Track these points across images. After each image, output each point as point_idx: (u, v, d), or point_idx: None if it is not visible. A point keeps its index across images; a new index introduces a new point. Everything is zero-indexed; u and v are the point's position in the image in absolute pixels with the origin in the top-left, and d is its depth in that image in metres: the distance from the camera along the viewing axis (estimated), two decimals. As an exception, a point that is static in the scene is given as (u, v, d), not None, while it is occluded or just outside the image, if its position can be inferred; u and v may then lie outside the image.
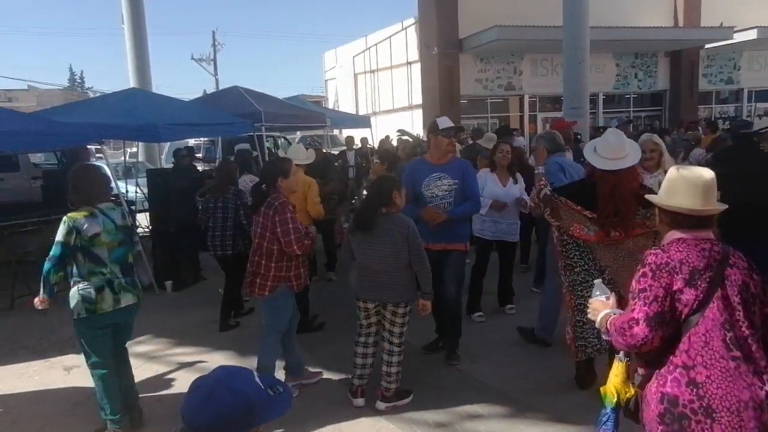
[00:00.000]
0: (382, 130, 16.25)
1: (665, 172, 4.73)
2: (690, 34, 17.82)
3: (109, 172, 4.41)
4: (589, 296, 2.49)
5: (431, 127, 4.66)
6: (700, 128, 12.72)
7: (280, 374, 4.34)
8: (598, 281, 2.51)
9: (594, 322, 2.35)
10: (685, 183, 2.11)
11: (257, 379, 1.35)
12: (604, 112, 18.63)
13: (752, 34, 17.36)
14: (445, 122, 4.60)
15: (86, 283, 3.49)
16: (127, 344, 5.22)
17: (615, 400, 2.29)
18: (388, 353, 3.93)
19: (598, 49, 15.55)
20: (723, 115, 20.23)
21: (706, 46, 18.36)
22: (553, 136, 5.37)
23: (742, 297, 1.99)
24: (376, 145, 12.77)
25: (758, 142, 5.81)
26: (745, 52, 19.40)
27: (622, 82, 18.76)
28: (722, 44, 17.85)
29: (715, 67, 19.71)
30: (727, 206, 2.14)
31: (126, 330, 3.85)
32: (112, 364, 3.70)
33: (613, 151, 3.57)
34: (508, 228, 5.61)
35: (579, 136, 9.19)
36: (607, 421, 2.31)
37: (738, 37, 17.42)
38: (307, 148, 6.55)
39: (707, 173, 2.11)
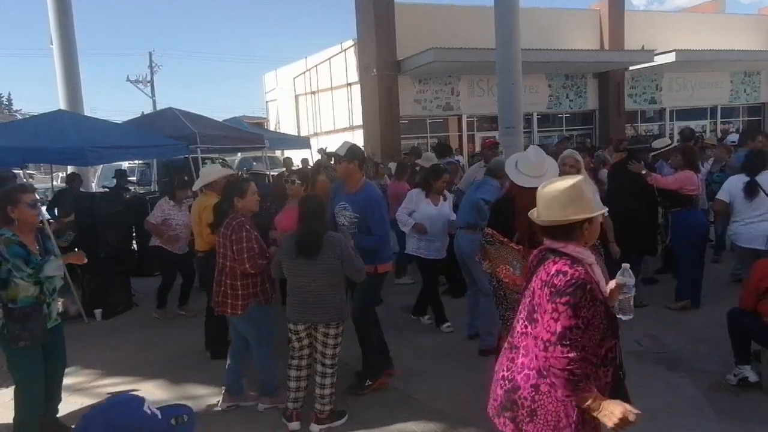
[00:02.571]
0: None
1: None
2: (615, 56, 18.76)
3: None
4: None
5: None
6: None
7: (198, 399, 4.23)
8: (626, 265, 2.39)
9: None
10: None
11: (148, 407, 1.32)
12: (539, 131, 19.32)
13: (671, 57, 18.42)
14: (341, 148, 4.42)
15: None
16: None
17: None
18: (321, 375, 3.90)
19: (531, 71, 16.15)
20: (648, 133, 21.33)
21: (630, 68, 19.35)
22: (494, 164, 5.44)
23: (529, 300, 2.21)
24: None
25: (637, 160, 6.16)
26: (666, 74, 20.56)
27: (554, 102, 19.50)
28: (644, 66, 18.84)
29: (639, 88, 20.79)
30: (537, 220, 2.25)
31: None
32: None
33: (534, 168, 3.69)
34: (441, 245, 5.76)
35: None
36: None
37: (658, 60, 18.46)
38: (242, 171, 6.54)
39: (548, 189, 2.22)
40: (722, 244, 8.07)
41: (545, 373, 2.07)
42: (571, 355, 1.98)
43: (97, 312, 6.78)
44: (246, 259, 3.94)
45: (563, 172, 4.86)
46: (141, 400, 1.34)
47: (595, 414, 2.04)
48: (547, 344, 2.02)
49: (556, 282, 2.06)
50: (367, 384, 4.41)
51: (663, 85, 21.00)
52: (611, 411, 2.00)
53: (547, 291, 2.09)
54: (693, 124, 21.01)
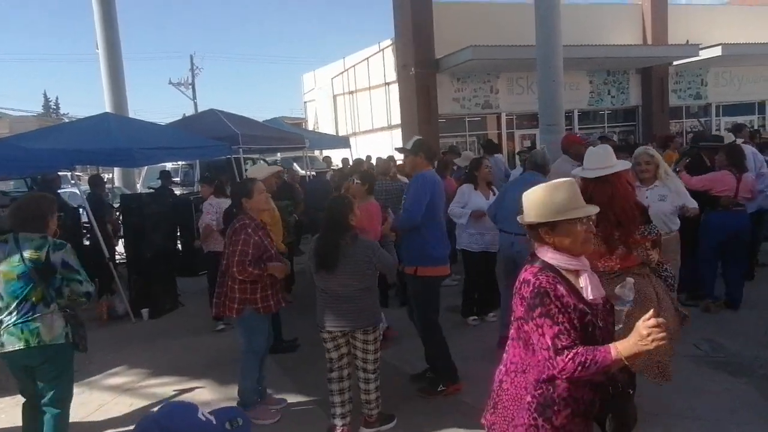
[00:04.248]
0: (362, 151, 16.28)
1: (664, 184, 4.72)
2: (659, 51, 18.23)
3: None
4: None
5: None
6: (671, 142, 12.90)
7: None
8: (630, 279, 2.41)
9: None
10: None
11: (202, 414, 1.30)
12: (579, 128, 18.89)
13: (717, 51, 17.79)
14: (409, 142, 4.46)
15: None
16: (98, 377, 5.06)
17: None
18: (364, 381, 3.79)
19: (572, 67, 15.80)
20: (693, 129, 20.66)
21: (674, 63, 18.78)
22: (534, 155, 5.28)
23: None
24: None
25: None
26: (711, 68, 19.90)
27: (596, 98, 19.08)
28: (689, 61, 18.27)
29: (683, 83, 20.16)
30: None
31: (40, 376, 3.41)
32: (27, 405, 3.54)
33: (600, 160, 3.45)
34: (492, 239, 5.65)
35: None
36: None
37: (704, 54, 17.85)
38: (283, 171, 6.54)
39: (526, 192, 2.24)
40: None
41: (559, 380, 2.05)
42: (570, 355, 1.96)
43: (144, 311, 6.89)
44: (236, 262, 3.84)
45: (638, 171, 4.66)
46: (195, 407, 1.33)
47: (634, 359, 1.92)
48: (551, 361, 1.99)
49: (524, 293, 2.08)
50: (440, 389, 4.31)
51: (708, 80, 20.34)
52: (636, 342, 1.88)
53: (518, 299, 2.12)
54: (740, 120, 20.23)
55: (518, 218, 2.28)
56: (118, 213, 8.76)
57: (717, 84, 20.46)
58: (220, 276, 4.15)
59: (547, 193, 2.15)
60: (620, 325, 2.32)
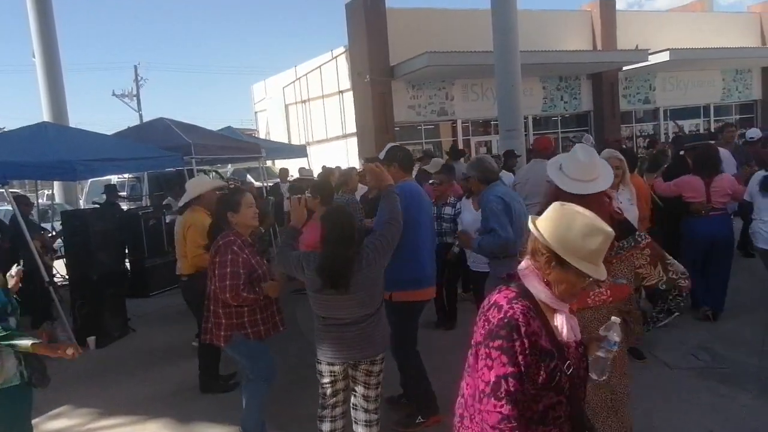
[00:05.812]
0: (317, 160, 15.82)
1: (628, 189, 4.55)
2: (609, 57, 18.57)
3: None
4: None
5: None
6: (624, 146, 13.02)
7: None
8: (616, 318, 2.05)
9: None
10: None
11: None
12: (534, 134, 19.00)
13: (665, 56, 18.26)
14: (382, 152, 4.01)
15: None
16: (39, 419, 4.46)
17: None
18: (366, 425, 3.24)
19: (525, 73, 15.80)
20: (642, 133, 21.19)
21: (624, 68, 19.18)
22: (482, 163, 4.33)
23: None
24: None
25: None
26: (659, 73, 20.44)
27: (549, 104, 19.26)
28: (638, 66, 18.67)
29: (632, 88, 20.63)
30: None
31: None
32: None
33: (584, 171, 2.89)
34: (479, 256, 5.16)
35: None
36: None
37: (652, 59, 18.29)
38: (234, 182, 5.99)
39: (568, 206, 1.91)
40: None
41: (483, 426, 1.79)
42: (504, 410, 1.69)
43: (91, 340, 6.23)
44: (227, 287, 3.32)
45: None
46: None
47: None
48: (481, 395, 1.75)
49: (490, 317, 1.82)
50: (418, 421, 3.86)
51: (656, 85, 20.90)
52: None
53: (482, 321, 1.84)
54: (687, 123, 20.90)
55: (530, 220, 1.91)
56: (52, 233, 8.09)
57: (664, 89, 21.04)
58: (206, 299, 3.64)
59: (586, 231, 1.80)
60: (605, 376, 1.98)
